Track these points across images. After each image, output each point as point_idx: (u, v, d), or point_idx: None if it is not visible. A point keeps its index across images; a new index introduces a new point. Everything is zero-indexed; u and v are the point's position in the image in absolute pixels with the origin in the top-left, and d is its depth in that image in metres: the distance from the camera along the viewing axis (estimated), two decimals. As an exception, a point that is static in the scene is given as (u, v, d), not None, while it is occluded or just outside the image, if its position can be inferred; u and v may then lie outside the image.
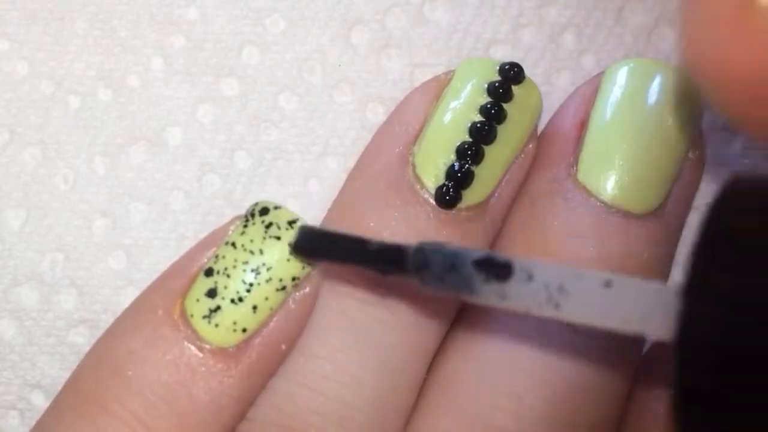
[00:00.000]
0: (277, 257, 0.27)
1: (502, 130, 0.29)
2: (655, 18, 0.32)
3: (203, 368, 0.26)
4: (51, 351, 0.30)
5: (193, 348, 0.26)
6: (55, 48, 0.31)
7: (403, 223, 0.28)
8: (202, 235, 0.29)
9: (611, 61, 0.32)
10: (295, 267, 0.27)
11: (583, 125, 0.29)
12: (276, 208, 0.28)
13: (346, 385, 0.27)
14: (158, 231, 0.31)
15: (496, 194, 0.29)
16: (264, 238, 0.27)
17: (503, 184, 0.29)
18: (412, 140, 0.29)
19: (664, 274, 0.30)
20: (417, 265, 0.25)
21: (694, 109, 0.29)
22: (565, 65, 0.32)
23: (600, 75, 0.30)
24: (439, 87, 0.30)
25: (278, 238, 0.27)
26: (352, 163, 0.31)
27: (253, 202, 0.31)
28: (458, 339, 0.29)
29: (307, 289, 0.27)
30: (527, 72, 0.31)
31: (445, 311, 0.29)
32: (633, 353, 0.29)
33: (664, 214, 0.29)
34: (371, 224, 0.28)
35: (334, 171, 0.31)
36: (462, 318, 0.29)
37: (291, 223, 0.27)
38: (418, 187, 0.28)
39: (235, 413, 0.27)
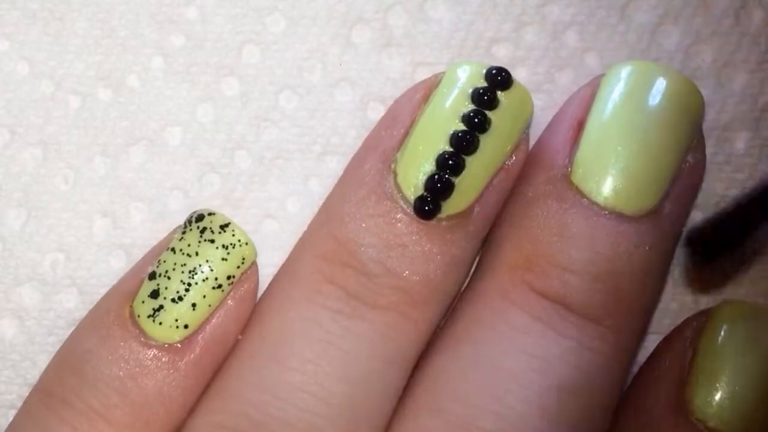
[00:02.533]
0: (211, 258, 0.28)
1: (485, 139, 0.28)
2: (659, 16, 0.32)
3: (151, 362, 0.28)
4: (52, 350, 0.30)
5: (141, 345, 0.28)
6: (55, 48, 0.31)
7: (383, 231, 0.28)
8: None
9: (614, 60, 0.31)
10: (230, 267, 0.28)
11: (580, 127, 0.29)
12: (210, 214, 0.29)
13: (317, 396, 0.27)
14: (158, 231, 0.31)
15: (482, 201, 0.29)
16: (200, 242, 0.28)
17: (489, 190, 0.29)
18: (396, 146, 0.29)
19: (658, 276, 0.30)
20: None
21: (694, 113, 0.29)
22: (568, 64, 0.31)
23: (600, 76, 0.29)
24: (427, 90, 0.29)
25: (212, 241, 0.28)
26: (352, 162, 0.31)
27: (253, 201, 0.31)
28: (445, 339, 0.29)
29: (245, 287, 0.29)
30: (530, 71, 0.31)
31: (426, 318, 0.29)
32: (623, 360, 0.29)
33: (659, 217, 0.28)
34: (352, 232, 0.28)
35: (335, 170, 0.31)
36: (450, 319, 0.29)
37: (223, 227, 0.29)
38: (398, 196, 0.28)
39: (183, 404, 0.28)
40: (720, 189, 0.32)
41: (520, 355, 0.28)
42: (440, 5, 0.31)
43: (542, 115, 0.31)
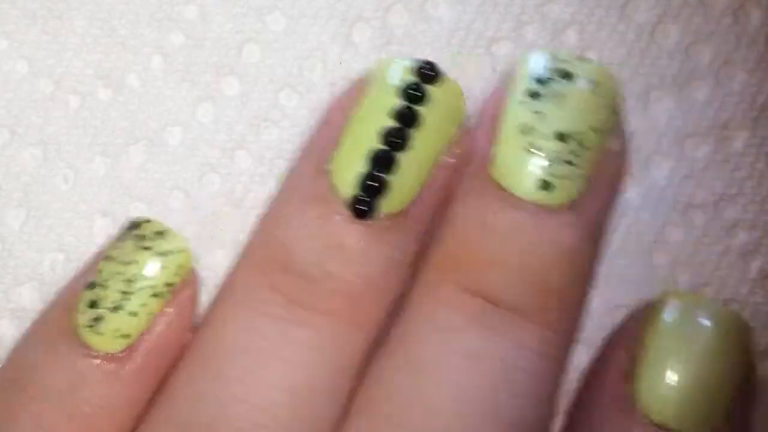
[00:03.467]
0: (148, 266, 0.28)
1: (417, 134, 0.28)
2: (657, 15, 0.32)
3: (93, 373, 0.28)
4: (52, 351, 0.30)
5: (83, 356, 0.28)
6: (54, 47, 0.31)
7: (320, 234, 0.27)
8: (202, 235, 0.30)
9: (614, 59, 0.32)
10: (168, 274, 0.28)
11: (497, 121, 0.28)
12: (147, 221, 0.29)
13: (259, 407, 0.27)
14: (158, 231, 0.31)
15: (420, 199, 0.28)
16: (135, 249, 0.28)
17: (427, 188, 0.28)
18: (330, 148, 0.28)
19: (586, 268, 0.29)
20: None
21: (609, 97, 0.29)
22: (568, 63, 0.32)
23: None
24: (359, 90, 0.29)
25: (148, 248, 0.28)
26: (353, 162, 0.31)
27: (253, 201, 0.31)
28: (384, 343, 0.28)
29: (185, 294, 0.29)
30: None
31: (369, 320, 0.28)
32: (557, 354, 0.29)
33: (582, 207, 0.28)
34: (289, 236, 0.28)
35: (335, 169, 0.31)
36: (390, 323, 0.29)
37: (159, 233, 0.28)
38: (333, 197, 0.28)
39: (129, 414, 0.28)
40: (719, 188, 0.32)
41: (449, 355, 0.27)
42: (441, 4, 0.31)
43: (542, 114, 0.32)
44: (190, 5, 0.31)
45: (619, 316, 0.32)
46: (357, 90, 0.29)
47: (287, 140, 0.31)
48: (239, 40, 0.31)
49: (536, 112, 0.28)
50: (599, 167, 0.29)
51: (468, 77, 0.31)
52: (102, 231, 0.31)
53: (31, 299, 0.30)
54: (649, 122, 0.32)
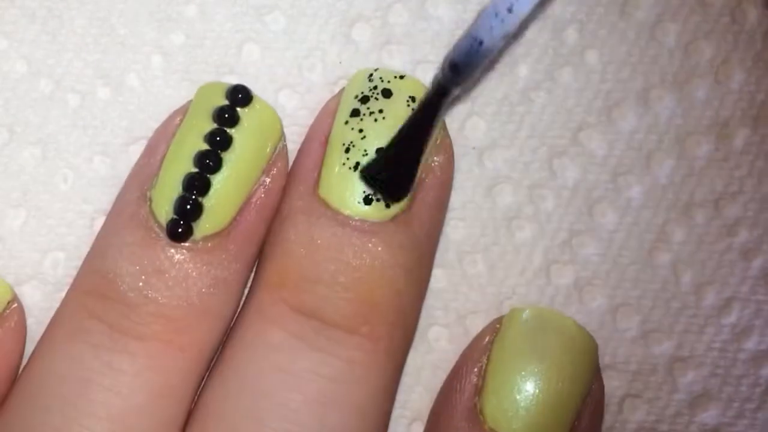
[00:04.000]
0: None
1: (230, 156, 0.28)
2: (657, 14, 0.32)
3: None
4: (52, 351, 0.30)
5: None
6: (54, 46, 0.31)
7: (140, 259, 0.28)
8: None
9: (614, 57, 0.32)
10: None
11: (325, 141, 0.29)
12: None
13: None
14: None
15: (240, 220, 0.28)
16: None
17: (248, 209, 0.29)
18: (153, 173, 0.29)
19: (415, 278, 0.29)
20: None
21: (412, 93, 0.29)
22: (568, 61, 0.32)
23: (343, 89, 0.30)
24: (183, 115, 0.29)
25: None
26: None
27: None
28: (215, 365, 0.29)
29: (7, 325, 0.29)
30: (530, 68, 0.31)
31: (193, 343, 0.28)
32: (386, 365, 0.29)
33: (406, 219, 0.29)
34: (110, 263, 0.28)
35: (336, 169, 0.31)
36: (228, 343, 0.29)
37: None
38: (153, 223, 0.28)
39: None
40: (719, 186, 0.32)
41: (276, 373, 0.27)
42: (440, 3, 0.31)
43: (543, 112, 0.32)
44: (189, 5, 0.31)
45: (621, 315, 0.32)
46: (182, 115, 0.29)
47: (287, 139, 0.31)
48: (239, 40, 0.31)
49: (358, 131, 0.28)
50: (422, 181, 0.29)
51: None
52: (102, 231, 0.30)
53: (32, 298, 0.30)
54: (649, 120, 0.32)
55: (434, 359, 0.31)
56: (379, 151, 0.28)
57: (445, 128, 0.30)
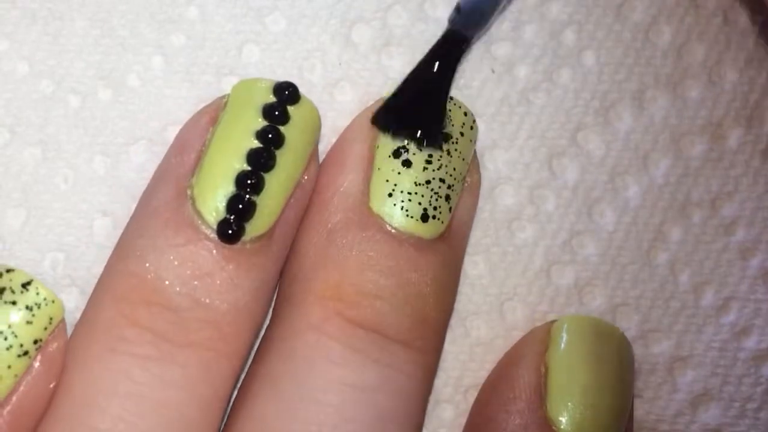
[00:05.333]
0: (14, 322, 0.26)
1: (281, 155, 0.27)
2: (652, 15, 0.32)
3: None
4: (52, 353, 0.29)
5: None
6: (55, 47, 0.31)
7: (186, 261, 0.26)
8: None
9: (611, 58, 0.32)
10: (36, 330, 0.26)
11: (372, 153, 0.29)
12: (8, 271, 0.26)
13: None
14: (160, 230, 0.30)
15: (281, 220, 0.28)
16: None
17: (288, 209, 0.28)
18: (189, 172, 0.27)
19: (454, 292, 0.30)
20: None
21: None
22: (566, 62, 0.32)
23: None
24: (215, 112, 0.28)
25: (14, 303, 0.26)
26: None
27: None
28: (263, 378, 0.28)
29: (54, 346, 0.26)
30: (529, 69, 0.32)
31: (238, 350, 0.27)
32: (430, 378, 0.29)
33: (449, 237, 0.29)
34: (152, 266, 0.26)
35: (336, 170, 0.31)
36: (265, 356, 0.28)
37: (25, 285, 0.26)
38: (199, 222, 0.27)
39: None
40: (715, 186, 0.32)
41: (340, 387, 0.27)
42: (439, 5, 0.31)
43: (542, 113, 0.32)
44: (190, 6, 0.31)
45: (620, 315, 0.32)
46: (213, 112, 0.28)
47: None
48: (239, 41, 0.31)
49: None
50: (459, 199, 0.29)
51: (467, 77, 0.32)
52: (102, 231, 0.30)
53: (32, 298, 0.30)
54: (645, 121, 0.32)
55: (435, 360, 0.31)
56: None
57: (474, 150, 0.30)
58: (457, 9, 0.27)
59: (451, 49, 0.27)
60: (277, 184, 0.27)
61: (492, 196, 0.32)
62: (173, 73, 0.31)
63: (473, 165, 0.30)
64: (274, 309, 0.29)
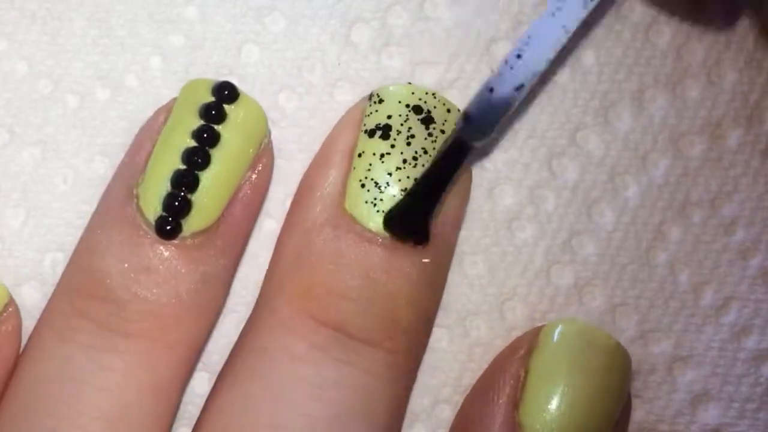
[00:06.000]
0: None
1: (217, 153, 0.28)
2: (652, 15, 0.32)
3: None
4: (51, 353, 0.29)
5: None
6: (54, 48, 0.31)
7: (128, 257, 0.28)
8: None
9: (610, 58, 0.32)
10: None
11: (350, 153, 0.29)
12: None
13: None
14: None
15: (227, 216, 0.29)
16: None
17: (234, 205, 0.29)
18: (139, 171, 0.29)
19: (434, 290, 0.30)
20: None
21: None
22: (565, 62, 0.32)
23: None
24: (167, 112, 0.29)
25: None
26: (354, 160, 0.30)
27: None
28: (231, 374, 0.29)
29: (4, 329, 0.28)
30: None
31: (182, 340, 0.28)
32: (403, 378, 0.30)
33: (432, 237, 0.29)
34: (98, 260, 0.28)
35: (336, 170, 0.31)
36: (236, 352, 0.29)
37: None
38: (140, 220, 0.28)
39: None
40: (715, 186, 0.32)
41: (301, 384, 0.28)
42: (439, 4, 0.31)
43: (542, 113, 0.32)
44: (189, 6, 0.31)
45: (619, 315, 0.32)
46: (166, 112, 0.29)
47: (287, 140, 0.31)
48: (239, 41, 0.31)
49: (390, 146, 0.29)
50: (445, 199, 0.29)
51: (467, 77, 0.32)
52: (102, 231, 0.30)
53: (31, 299, 0.30)
54: (644, 121, 0.32)
55: (434, 360, 0.31)
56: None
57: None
58: (465, 117, 0.27)
59: (456, 158, 0.27)
60: (214, 182, 0.28)
61: (492, 196, 0.32)
62: (172, 73, 0.31)
63: (462, 166, 0.30)
64: (254, 307, 0.30)
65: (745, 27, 0.33)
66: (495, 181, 0.32)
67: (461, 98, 0.31)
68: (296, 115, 0.31)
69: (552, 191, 0.32)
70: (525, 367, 0.29)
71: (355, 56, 0.31)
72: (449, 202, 0.30)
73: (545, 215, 0.32)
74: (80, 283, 0.28)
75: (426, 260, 0.29)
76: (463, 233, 0.32)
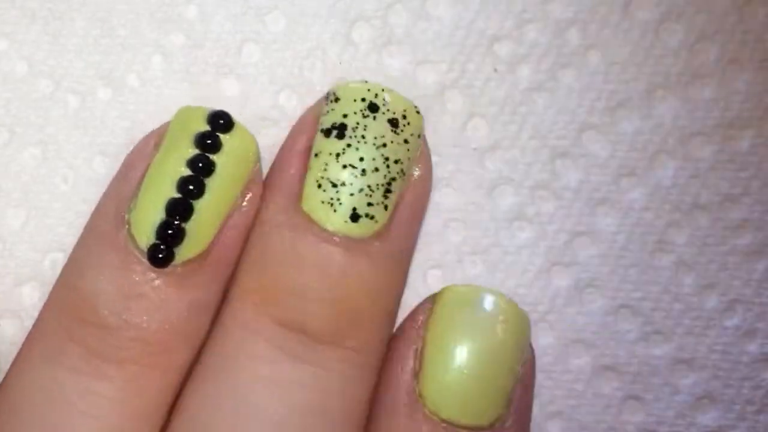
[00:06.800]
0: None
1: (211, 182, 0.28)
2: (661, 13, 0.31)
3: None
4: (52, 351, 0.30)
5: None
6: (55, 47, 0.31)
7: (120, 283, 0.28)
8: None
9: (617, 58, 0.31)
10: None
11: (307, 153, 0.29)
12: None
13: None
14: (158, 231, 0.31)
15: (218, 243, 0.29)
16: None
17: (225, 232, 0.29)
18: (130, 196, 0.28)
19: (393, 288, 0.30)
20: None
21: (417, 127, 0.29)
22: (570, 61, 0.31)
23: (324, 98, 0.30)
24: (159, 138, 0.29)
25: None
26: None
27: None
28: (195, 378, 0.29)
29: None
30: (532, 69, 0.31)
31: (172, 365, 0.28)
32: (367, 376, 0.29)
33: (388, 234, 0.29)
34: (89, 284, 0.28)
35: (336, 169, 0.31)
36: (200, 358, 0.29)
37: None
38: (132, 246, 0.28)
39: None
40: (724, 188, 0.32)
41: (259, 383, 0.28)
42: (441, 3, 0.31)
43: (544, 113, 0.31)
44: (189, 5, 0.31)
45: (622, 317, 0.32)
46: (158, 137, 0.29)
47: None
48: (239, 40, 0.31)
49: (347, 146, 0.28)
50: (402, 196, 0.29)
51: (469, 76, 0.31)
52: (102, 231, 0.31)
53: (31, 299, 0.30)
54: (653, 121, 0.32)
55: (433, 359, 0.32)
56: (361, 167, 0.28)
57: (424, 139, 0.30)
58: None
59: None
60: (207, 211, 0.28)
61: (492, 196, 0.32)
62: (173, 73, 0.31)
63: (422, 158, 0.30)
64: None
65: (762, 25, 0.32)
66: (496, 181, 0.31)
67: (463, 98, 0.31)
68: (297, 115, 0.31)
69: (554, 192, 0.32)
70: (422, 337, 0.29)
71: (356, 55, 0.31)
72: (409, 195, 0.29)
73: (546, 216, 0.32)
74: (70, 303, 0.28)
75: (385, 256, 0.29)
76: (463, 233, 0.32)
